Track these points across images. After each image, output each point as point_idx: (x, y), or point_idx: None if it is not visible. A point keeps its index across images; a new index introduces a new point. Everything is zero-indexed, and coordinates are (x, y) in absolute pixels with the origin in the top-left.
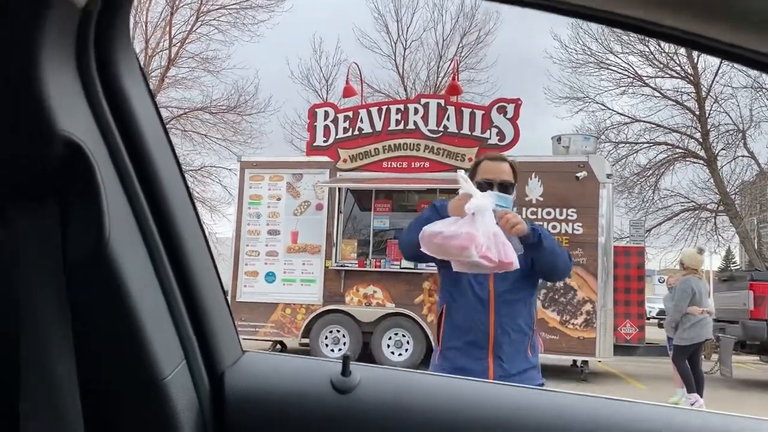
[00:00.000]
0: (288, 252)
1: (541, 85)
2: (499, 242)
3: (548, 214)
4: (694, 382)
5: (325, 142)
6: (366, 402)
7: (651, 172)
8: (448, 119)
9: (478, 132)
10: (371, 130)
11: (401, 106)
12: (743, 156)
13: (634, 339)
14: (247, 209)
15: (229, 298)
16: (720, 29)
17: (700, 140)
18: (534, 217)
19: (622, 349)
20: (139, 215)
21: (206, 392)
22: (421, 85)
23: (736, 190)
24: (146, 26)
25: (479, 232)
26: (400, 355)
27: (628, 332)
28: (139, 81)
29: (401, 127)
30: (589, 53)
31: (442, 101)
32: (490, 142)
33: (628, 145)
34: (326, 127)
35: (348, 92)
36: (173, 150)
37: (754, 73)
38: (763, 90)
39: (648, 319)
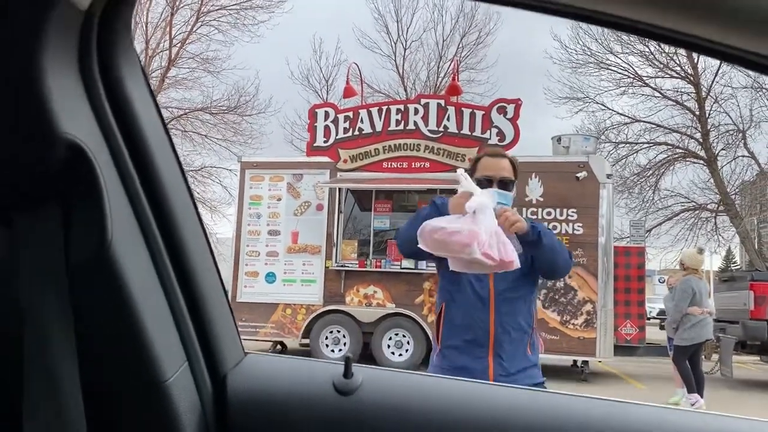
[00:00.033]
0: (288, 252)
1: (541, 86)
2: (500, 241)
3: (548, 214)
4: (695, 383)
5: (325, 142)
6: (368, 404)
7: (651, 172)
8: (448, 119)
9: (478, 132)
10: (371, 131)
11: (401, 107)
12: (743, 156)
13: (635, 339)
14: (248, 210)
15: (229, 298)
16: (716, 30)
17: (701, 140)
18: (534, 217)
19: (622, 349)
20: (142, 217)
21: (208, 394)
22: (421, 86)
23: (737, 190)
24: (146, 27)
25: (481, 229)
26: (400, 355)
27: (628, 332)
28: (142, 84)
29: (401, 127)
30: (589, 53)
31: (442, 101)
32: (490, 142)
33: (628, 145)
34: (326, 128)
35: (348, 92)
36: (175, 152)
37: (753, 73)
38: (763, 90)
39: (648, 319)
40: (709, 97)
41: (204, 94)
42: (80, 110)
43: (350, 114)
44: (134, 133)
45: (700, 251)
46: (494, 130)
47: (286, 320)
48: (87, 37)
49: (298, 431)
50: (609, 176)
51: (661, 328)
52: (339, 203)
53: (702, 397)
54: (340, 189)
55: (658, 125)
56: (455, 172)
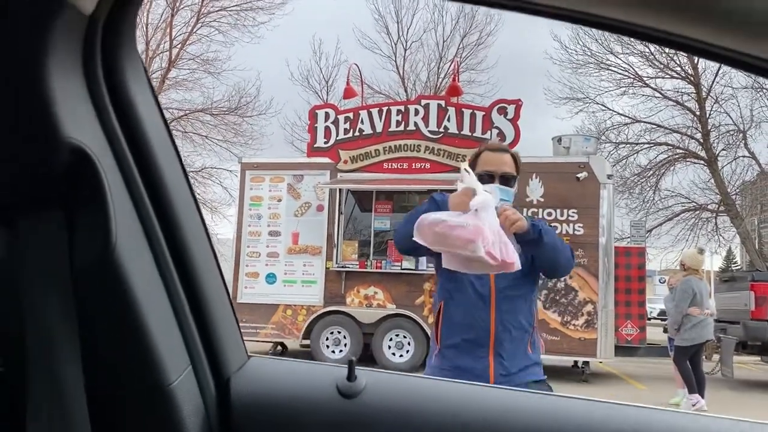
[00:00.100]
0: (289, 253)
1: (541, 86)
2: (502, 241)
3: (549, 214)
4: (696, 383)
5: (325, 143)
6: (372, 407)
7: (651, 172)
8: (448, 120)
9: (478, 133)
10: (372, 131)
11: (402, 107)
12: (744, 156)
13: (635, 340)
14: (248, 210)
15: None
16: (709, 32)
17: (701, 141)
18: (535, 218)
19: (623, 349)
20: (145, 221)
21: (212, 398)
22: (421, 86)
23: (737, 190)
24: (147, 28)
25: (486, 227)
26: (401, 356)
27: (629, 333)
28: (145, 87)
29: (402, 128)
30: (589, 54)
31: (442, 102)
32: (490, 142)
33: (628, 145)
34: (327, 129)
35: (348, 93)
36: (179, 155)
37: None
38: (764, 90)
39: (649, 319)
40: (709, 97)
41: (204, 95)
42: (84, 114)
43: (350, 115)
44: (138, 137)
45: (701, 251)
46: (495, 131)
47: (286, 321)
48: (91, 41)
49: None
50: (609, 177)
51: (665, 331)
52: (339, 204)
53: (703, 397)
54: (340, 190)
55: (658, 125)
56: (456, 172)
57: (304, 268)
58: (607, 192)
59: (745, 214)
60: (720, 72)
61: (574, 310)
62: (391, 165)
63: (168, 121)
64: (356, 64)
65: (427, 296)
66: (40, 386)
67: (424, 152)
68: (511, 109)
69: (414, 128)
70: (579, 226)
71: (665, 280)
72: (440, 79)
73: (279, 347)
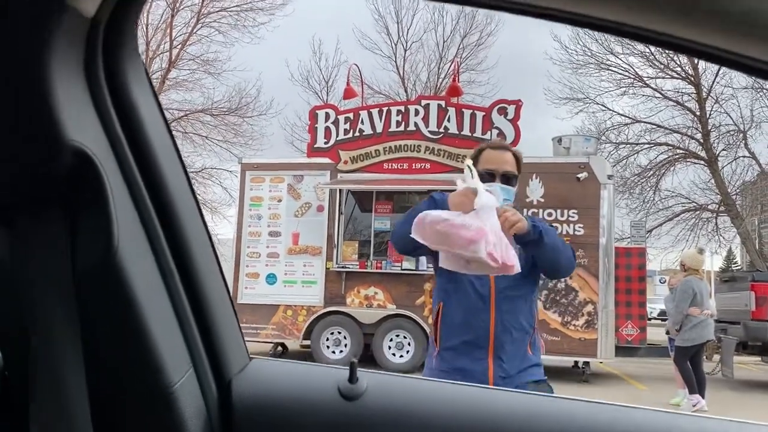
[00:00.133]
0: (289, 253)
1: (541, 86)
2: (503, 243)
3: (549, 215)
4: (696, 383)
5: (326, 143)
6: (373, 409)
7: (652, 172)
8: (448, 120)
9: (478, 133)
10: (372, 132)
11: (402, 108)
12: (744, 156)
13: (636, 340)
14: (248, 211)
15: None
16: (709, 33)
17: (701, 141)
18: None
19: (623, 350)
20: (147, 224)
21: (214, 400)
22: (421, 87)
23: (737, 190)
24: (147, 28)
25: (488, 228)
26: (401, 356)
27: (629, 333)
28: (147, 90)
29: (402, 128)
30: (589, 54)
31: (442, 102)
32: (492, 140)
33: (628, 145)
34: (327, 129)
35: (349, 94)
36: (181, 158)
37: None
38: (764, 90)
39: (649, 320)
40: (709, 97)
41: (205, 96)
42: (86, 117)
43: (351, 115)
44: (140, 139)
45: (701, 252)
46: (495, 131)
47: (286, 321)
48: (93, 44)
49: None
50: (610, 177)
51: (667, 333)
52: (339, 204)
53: (703, 398)
54: (340, 190)
55: (658, 126)
56: (456, 173)
57: (304, 268)
58: (608, 192)
59: (746, 215)
60: (720, 72)
61: (575, 310)
62: (392, 165)
63: (168, 122)
64: (356, 65)
65: (428, 296)
66: (43, 388)
67: (425, 152)
68: (511, 109)
69: (414, 128)
70: (579, 227)
71: (665, 281)
72: (440, 80)
73: (279, 348)
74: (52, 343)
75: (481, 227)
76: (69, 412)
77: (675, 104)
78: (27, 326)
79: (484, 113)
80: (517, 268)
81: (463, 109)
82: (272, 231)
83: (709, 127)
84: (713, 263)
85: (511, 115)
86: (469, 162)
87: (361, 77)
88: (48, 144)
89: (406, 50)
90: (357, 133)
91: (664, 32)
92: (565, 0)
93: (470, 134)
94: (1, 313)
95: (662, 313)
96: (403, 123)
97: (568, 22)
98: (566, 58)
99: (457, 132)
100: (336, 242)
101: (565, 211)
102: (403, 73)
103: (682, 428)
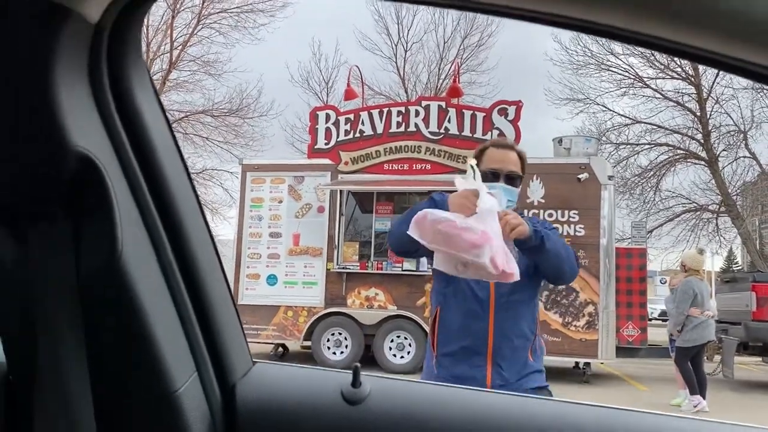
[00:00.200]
0: (290, 254)
1: (541, 87)
2: (504, 249)
3: (550, 216)
4: (697, 384)
5: (326, 144)
6: (376, 413)
7: (652, 173)
8: (449, 121)
9: (479, 134)
10: (372, 133)
11: (402, 109)
12: (744, 157)
13: (637, 340)
14: (249, 212)
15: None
16: (707, 38)
17: (702, 141)
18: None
19: (624, 350)
20: (151, 228)
21: (218, 404)
22: (422, 88)
23: (738, 191)
24: (147, 29)
25: (492, 233)
26: (402, 357)
27: (630, 334)
28: (151, 96)
29: (402, 129)
30: (589, 55)
31: (443, 103)
32: (496, 139)
33: (629, 146)
34: (327, 130)
35: (349, 95)
36: (184, 163)
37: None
38: (764, 91)
39: (650, 320)
40: (710, 98)
41: (205, 97)
42: (91, 123)
43: (351, 116)
44: (144, 144)
45: (701, 252)
46: (495, 132)
47: (287, 322)
48: (97, 50)
49: None
50: (610, 178)
51: (671, 336)
52: (340, 205)
53: (704, 398)
54: (341, 191)
55: (659, 126)
56: (456, 173)
57: (305, 269)
58: (608, 193)
59: (746, 215)
60: (720, 73)
61: (575, 311)
62: (392, 166)
63: (172, 128)
64: (357, 66)
65: (429, 297)
66: (48, 393)
67: (425, 153)
68: (511, 110)
69: (414, 129)
70: (580, 227)
71: (666, 281)
72: (441, 81)
73: (280, 348)
74: (56, 348)
75: (485, 232)
76: (73, 417)
77: (675, 105)
78: (32, 330)
79: (484, 114)
80: (516, 277)
81: (464, 110)
82: (273, 232)
83: (710, 128)
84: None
85: (511, 116)
86: (472, 161)
87: (362, 78)
88: (52, 149)
89: (406, 51)
90: (357, 134)
91: (660, 36)
92: (562, 5)
93: (471, 135)
94: (7, 316)
95: (663, 313)
96: (404, 124)
97: (563, 26)
98: (567, 59)
99: (458, 133)
100: (337, 243)
101: (566, 212)
102: (404, 74)
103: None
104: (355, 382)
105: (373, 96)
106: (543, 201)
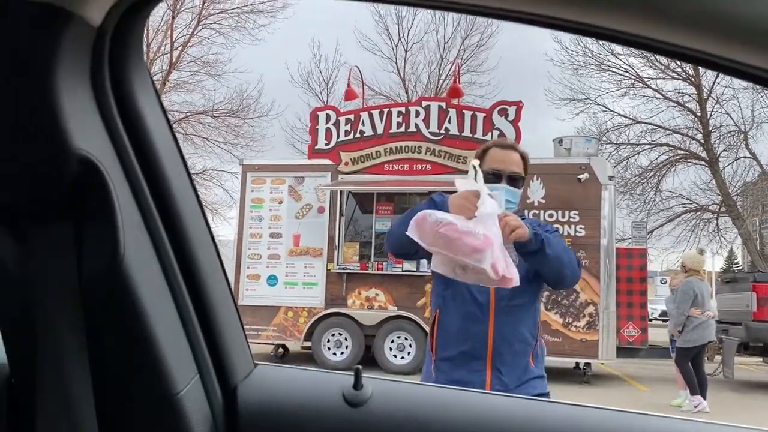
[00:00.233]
0: (290, 255)
1: (542, 87)
2: (505, 254)
3: (550, 216)
4: (698, 384)
5: (326, 145)
6: (378, 416)
7: (653, 173)
8: (449, 122)
9: (479, 134)
10: (373, 133)
11: (402, 109)
12: (745, 157)
13: (637, 341)
14: (249, 212)
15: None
16: (705, 41)
17: (702, 141)
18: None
19: (624, 351)
20: (153, 231)
21: (219, 406)
22: (422, 88)
23: (738, 191)
24: (147, 30)
25: (493, 237)
26: (402, 358)
27: (630, 334)
28: (153, 99)
29: (403, 129)
30: (590, 55)
31: (443, 104)
32: (499, 138)
33: (629, 146)
34: (328, 130)
35: (349, 95)
36: (186, 166)
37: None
38: (765, 91)
39: (650, 320)
40: (710, 98)
41: (205, 97)
42: (93, 126)
43: (351, 117)
44: (146, 148)
45: (702, 252)
46: (495, 133)
47: (287, 323)
48: (99, 53)
49: None
50: (611, 178)
51: (672, 337)
52: (340, 206)
53: (705, 399)
54: (341, 191)
55: (659, 126)
56: (456, 174)
57: (305, 269)
58: (609, 193)
59: (747, 215)
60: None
61: (576, 311)
62: (392, 166)
63: (174, 130)
64: (357, 67)
65: (429, 298)
66: (50, 396)
67: (425, 154)
68: (511, 110)
69: (415, 130)
70: (580, 228)
71: (667, 281)
72: (441, 81)
73: (280, 349)
74: (58, 351)
75: (488, 236)
76: (75, 419)
77: (676, 105)
78: (34, 333)
79: (484, 114)
80: (516, 282)
81: (464, 111)
82: (273, 232)
83: (710, 128)
84: (714, 264)
85: (511, 117)
86: (475, 162)
87: (362, 79)
88: (55, 152)
89: (406, 51)
90: (358, 135)
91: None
92: (558, 8)
93: (471, 135)
94: (8, 318)
95: (663, 313)
96: (404, 124)
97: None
98: (567, 59)
99: (458, 133)
100: (337, 244)
101: (566, 212)
102: (404, 75)
103: None
104: (357, 385)
105: (374, 96)
106: (543, 201)
